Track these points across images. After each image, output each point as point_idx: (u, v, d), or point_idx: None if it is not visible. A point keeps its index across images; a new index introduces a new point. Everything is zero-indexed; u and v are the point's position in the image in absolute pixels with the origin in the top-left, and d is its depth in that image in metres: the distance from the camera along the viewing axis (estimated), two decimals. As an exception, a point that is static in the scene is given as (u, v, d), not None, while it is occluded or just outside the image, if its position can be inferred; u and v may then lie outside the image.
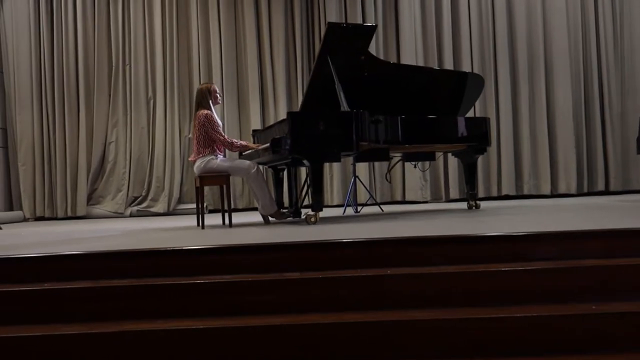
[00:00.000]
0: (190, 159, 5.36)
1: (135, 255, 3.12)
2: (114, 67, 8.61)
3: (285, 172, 5.99)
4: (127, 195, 8.51)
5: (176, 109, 8.51)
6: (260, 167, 5.33)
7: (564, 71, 8.25)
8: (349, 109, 4.98)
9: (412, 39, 8.33)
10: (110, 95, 8.63)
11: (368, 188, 7.49)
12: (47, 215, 8.55)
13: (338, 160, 5.07)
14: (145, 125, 8.59)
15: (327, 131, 4.78)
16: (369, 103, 5.24)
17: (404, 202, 8.31)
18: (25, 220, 8.48)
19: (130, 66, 8.58)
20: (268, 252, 3.16)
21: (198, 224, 5.15)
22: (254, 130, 6.10)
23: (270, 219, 5.32)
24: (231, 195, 8.57)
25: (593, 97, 8.31)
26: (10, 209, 8.57)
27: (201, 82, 8.39)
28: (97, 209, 8.52)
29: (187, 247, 3.20)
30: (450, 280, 2.83)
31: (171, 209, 8.41)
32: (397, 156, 6.54)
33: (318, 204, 4.82)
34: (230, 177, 5.18)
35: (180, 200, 8.52)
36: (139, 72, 8.59)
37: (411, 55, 8.23)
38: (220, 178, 5.08)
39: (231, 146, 5.17)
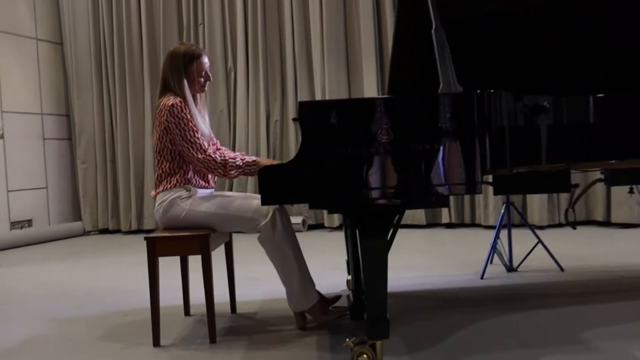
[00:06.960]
0: (151, 194, 2.79)
1: None
2: (185, 29, 6.31)
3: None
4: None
5: (261, 85, 6.02)
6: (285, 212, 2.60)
7: None
8: (459, 88, 2.06)
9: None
10: (181, 68, 6.34)
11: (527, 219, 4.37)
12: (111, 227, 6.62)
13: (441, 205, 2.19)
14: (225, 107, 6.23)
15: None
16: (510, 73, 2.28)
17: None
18: (85, 233, 6.63)
19: (204, 26, 6.23)
20: None
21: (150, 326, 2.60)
22: (294, 120, 3.30)
23: (309, 316, 2.62)
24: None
25: None
26: (79, 218, 6.76)
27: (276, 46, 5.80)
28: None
29: None
30: None
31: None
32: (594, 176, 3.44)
33: (378, 324, 1.99)
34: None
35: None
36: (214, 34, 6.20)
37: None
38: (187, 243, 2.45)
39: (224, 168, 2.53)
